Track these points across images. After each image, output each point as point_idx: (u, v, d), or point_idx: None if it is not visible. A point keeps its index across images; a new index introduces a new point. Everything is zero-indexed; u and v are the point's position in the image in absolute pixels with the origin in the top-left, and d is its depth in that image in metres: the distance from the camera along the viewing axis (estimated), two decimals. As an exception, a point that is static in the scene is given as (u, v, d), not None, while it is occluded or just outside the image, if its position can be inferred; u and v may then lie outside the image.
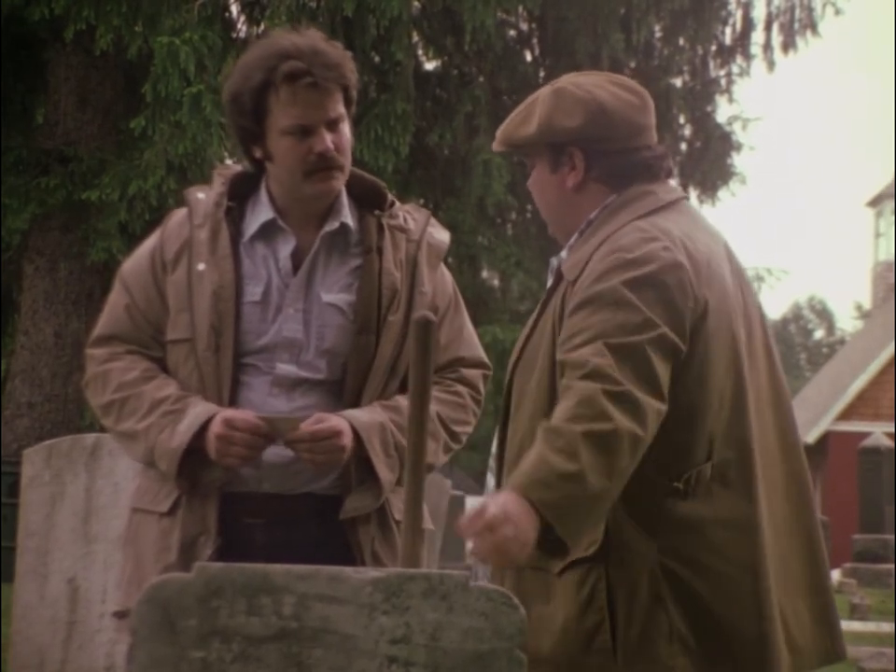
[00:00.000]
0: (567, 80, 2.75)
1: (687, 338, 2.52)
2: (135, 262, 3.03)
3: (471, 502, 20.44)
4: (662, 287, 2.51)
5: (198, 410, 2.85)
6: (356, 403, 2.91)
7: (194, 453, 2.84)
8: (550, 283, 2.76)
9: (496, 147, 2.84)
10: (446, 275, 3.10)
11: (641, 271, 2.52)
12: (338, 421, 2.84)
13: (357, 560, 2.87)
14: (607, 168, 2.70)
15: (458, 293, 3.13)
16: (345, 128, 2.92)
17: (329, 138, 2.87)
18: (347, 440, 2.83)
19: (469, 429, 3.10)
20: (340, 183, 2.95)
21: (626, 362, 2.42)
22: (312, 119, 2.86)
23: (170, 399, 2.89)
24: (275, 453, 2.88)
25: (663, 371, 2.46)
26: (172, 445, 2.84)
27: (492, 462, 2.82)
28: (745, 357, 2.63)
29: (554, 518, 2.31)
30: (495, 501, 2.31)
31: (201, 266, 2.91)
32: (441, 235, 3.09)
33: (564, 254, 2.75)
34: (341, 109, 2.90)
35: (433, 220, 3.09)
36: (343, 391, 2.93)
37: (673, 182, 2.79)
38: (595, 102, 2.67)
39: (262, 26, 11.54)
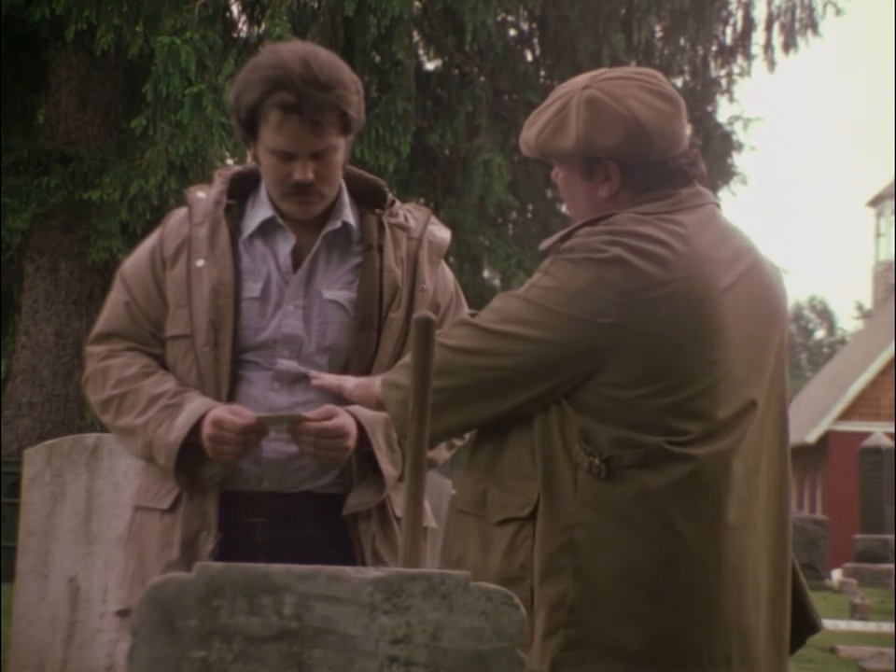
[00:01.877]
0: (600, 88, 2.67)
1: (591, 332, 2.56)
2: (135, 260, 3.04)
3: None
4: (583, 291, 2.56)
5: (195, 405, 2.86)
6: None
7: (193, 448, 2.84)
8: None
9: (523, 149, 2.79)
10: (447, 273, 3.11)
11: (594, 254, 2.57)
12: (345, 420, 2.84)
13: (357, 557, 2.88)
14: (642, 179, 2.68)
15: (460, 291, 3.14)
16: (335, 157, 2.89)
17: (310, 168, 2.85)
18: (352, 441, 2.84)
19: None
20: (318, 207, 2.94)
21: (475, 340, 2.62)
22: (295, 149, 2.85)
23: (168, 394, 2.90)
24: (275, 449, 2.88)
25: (509, 360, 2.59)
26: (169, 440, 2.85)
27: None
28: (728, 343, 2.61)
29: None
30: None
31: (200, 262, 2.92)
32: (442, 233, 3.09)
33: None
34: (330, 141, 2.86)
35: (434, 218, 3.10)
36: None
37: (701, 187, 2.75)
38: (633, 119, 2.63)
39: (263, 26, 11.53)
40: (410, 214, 3.06)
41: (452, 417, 2.64)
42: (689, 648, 2.58)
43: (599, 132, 2.64)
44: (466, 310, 3.11)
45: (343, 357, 2.94)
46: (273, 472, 2.90)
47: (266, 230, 2.97)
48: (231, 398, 2.89)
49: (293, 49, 2.90)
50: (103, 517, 5.53)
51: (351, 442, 2.84)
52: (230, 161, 11.54)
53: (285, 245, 2.96)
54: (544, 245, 2.74)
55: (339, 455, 2.84)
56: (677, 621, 2.57)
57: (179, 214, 3.03)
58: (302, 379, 2.92)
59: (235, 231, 2.97)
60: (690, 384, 2.58)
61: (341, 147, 2.90)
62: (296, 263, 2.95)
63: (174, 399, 2.89)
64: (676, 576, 2.58)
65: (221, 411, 2.82)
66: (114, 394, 2.96)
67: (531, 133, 2.73)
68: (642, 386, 2.56)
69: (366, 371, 2.92)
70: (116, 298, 3.04)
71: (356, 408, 2.88)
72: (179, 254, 2.95)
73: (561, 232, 2.72)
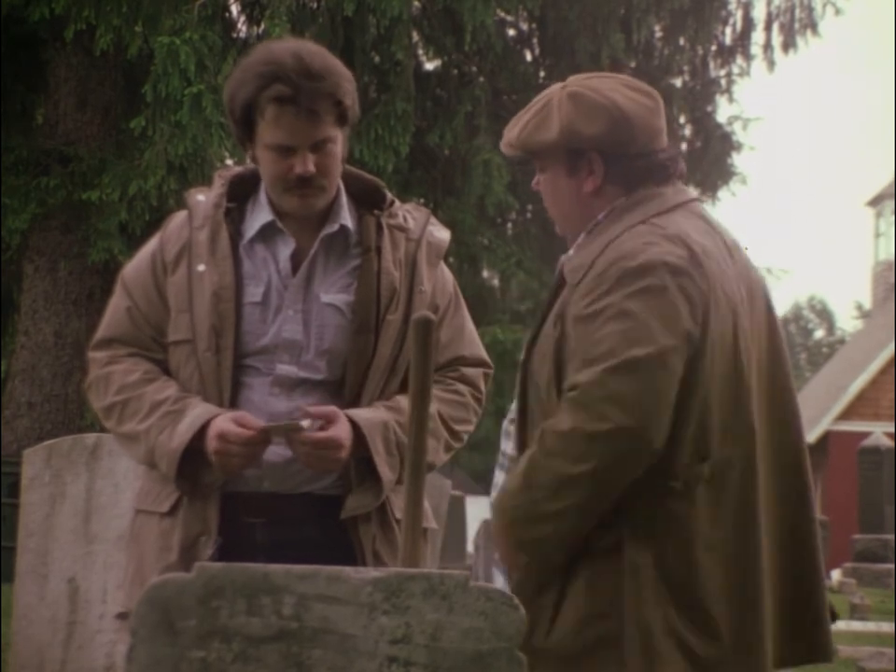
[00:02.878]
0: (581, 84, 2.72)
1: (694, 339, 2.54)
2: (136, 265, 3.04)
3: (471, 502, 20.42)
4: (663, 295, 2.53)
5: (197, 411, 2.86)
6: (355, 403, 2.92)
7: (195, 454, 2.84)
8: (551, 286, 2.76)
9: (506, 150, 2.80)
10: (446, 274, 3.10)
11: (643, 281, 2.53)
12: (340, 432, 2.84)
13: (357, 559, 2.88)
14: (625, 172, 2.69)
15: (459, 292, 3.13)
16: (334, 148, 2.89)
17: (311, 160, 2.85)
18: (345, 452, 2.84)
19: (471, 428, 3.10)
20: (321, 202, 2.93)
21: (626, 385, 2.48)
22: (294, 141, 2.85)
23: (169, 401, 2.90)
24: (275, 452, 2.88)
25: (664, 382, 2.49)
26: (171, 446, 2.84)
27: (508, 425, 2.83)
28: (749, 356, 2.64)
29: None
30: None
31: (201, 267, 2.92)
32: (441, 234, 3.08)
33: (571, 252, 2.75)
34: (328, 132, 2.87)
35: (433, 219, 3.09)
36: (342, 391, 2.93)
37: (682, 184, 2.79)
38: (616, 108, 2.66)
39: (262, 26, 11.53)
40: (409, 214, 3.06)
41: (583, 525, 2.59)
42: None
43: (582, 121, 2.66)
44: (465, 311, 3.12)
45: (341, 360, 2.93)
46: (273, 475, 2.90)
47: (266, 233, 2.96)
48: (233, 403, 2.89)
49: (283, 45, 2.93)
50: (102, 517, 5.53)
51: (344, 454, 2.84)
52: (229, 162, 11.53)
53: (285, 249, 2.95)
54: (572, 280, 2.67)
55: (332, 465, 2.85)
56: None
57: (179, 217, 3.03)
58: (301, 384, 2.92)
59: (235, 235, 2.96)
60: (729, 395, 2.61)
61: (338, 139, 2.90)
62: (295, 267, 2.95)
63: (175, 405, 2.89)
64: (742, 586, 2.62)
65: (225, 423, 2.82)
66: (116, 400, 2.95)
67: (513, 132, 2.76)
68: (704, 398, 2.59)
69: (364, 373, 2.92)
70: (117, 303, 3.03)
71: (354, 411, 2.88)
72: (180, 259, 2.95)
73: (579, 264, 2.68)
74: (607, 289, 2.55)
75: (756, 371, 2.68)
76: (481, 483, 35.75)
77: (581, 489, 2.51)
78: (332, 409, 2.85)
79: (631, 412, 2.47)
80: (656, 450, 2.51)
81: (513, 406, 2.81)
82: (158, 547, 2.90)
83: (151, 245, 3.04)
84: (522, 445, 2.74)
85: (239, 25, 12.61)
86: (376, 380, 2.94)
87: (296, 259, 2.96)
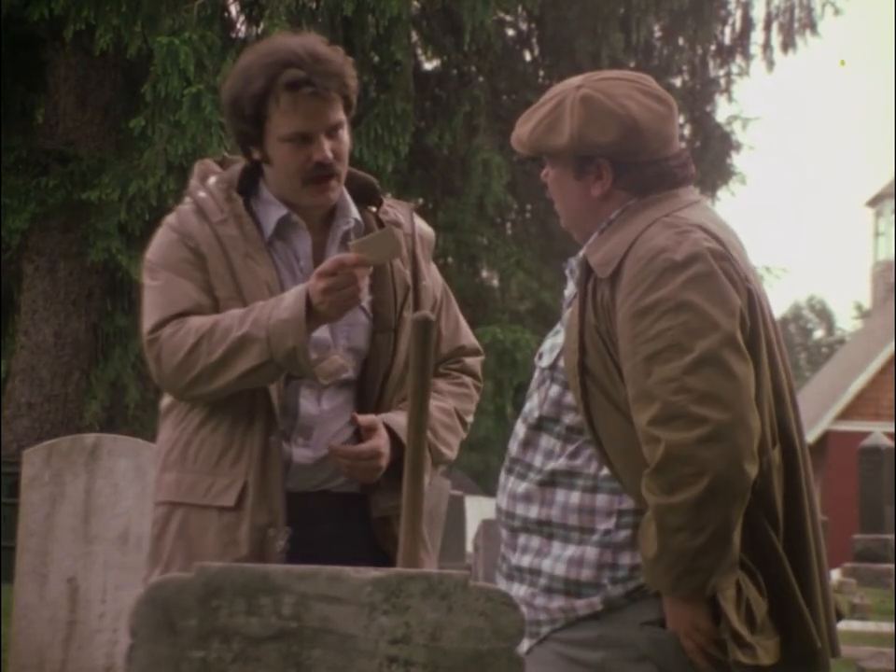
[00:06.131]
0: (595, 87, 2.68)
1: (747, 324, 2.55)
2: (166, 249, 2.91)
3: (471, 502, 20.41)
4: (716, 280, 2.53)
5: (293, 290, 2.79)
6: (379, 401, 2.94)
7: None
8: (577, 280, 2.69)
9: (515, 146, 2.78)
10: (434, 266, 3.15)
11: (692, 270, 2.53)
12: (379, 441, 2.86)
13: (391, 555, 2.88)
14: (634, 178, 2.68)
15: (445, 283, 3.19)
16: (344, 134, 2.91)
17: (327, 146, 2.86)
18: (385, 460, 2.87)
19: (472, 417, 3.15)
20: (336, 193, 2.93)
21: (707, 380, 2.45)
22: (311, 127, 2.84)
23: (259, 304, 2.80)
24: (304, 455, 2.90)
25: (741, 367, 2.48)
26: (285, 316, 2.74)
27: (524, 430, 2.75)
28: (773, 339, 2.65)
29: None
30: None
31: (242, 256, 2.86)
32: (428, 228, 3.13)
33: (586, 249, 2.72)
34: (340, 116, 2.89)
35: (415, 213, 3.12)
36: (364, 390, 2.94)
37: (692, 187, 2.78)
38: (628, 118, 2.63)
39: (262, 26, 11.53)
40: (395, 210, 3.07)
41: (736, 528, 2.54)
42: None
43: (594, 129, 2.64)
44: (455, 302, 3.15)
45: (363, 358, 2.95)
46: (299, 475, 2.90)
47: (281, 229, 2.94)
48: (268, 399, 2.85)
49: (283, 37, 2.96)
50: (102, 517, 5.54)
51: (384, 462, 2.87)
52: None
53: (302, 246, 2.94)
54: (602, 273, 2.62)
55: (373, 473, 2.88)
56: None
57: (188, 213, 2.92)
58: (329, 386, 2.91)
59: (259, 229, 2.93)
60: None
61: (346, 126, 2.91)
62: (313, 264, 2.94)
63: (268, 301, 2.79)
64: None
65: (319, 268, 2.77)
66: (200, 335, 2.79)
67: (524, 129, 2.73)
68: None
69: (386, 372, 2.94)
70: (166, 284, 2.88)
71: (390, 418, 2.90)
72: (210, 249, 2.87)
73: (607, 259, 2.64)
74: (653, 283, 2.53)
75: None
76: (480, 483, 35.76)
77: (713, 503, 2.44)
78: (373, 418, 2.88)
79: (724, 405, 2.44)
80: (757, 430, 2.47)
81: (527, 409, 2.77)
82: (221, 542, 2.83)
83: (168, 234, 2.92)
84: (596, 441, 2.64)
85: (238, 25, 12.61)
86: (397, 378, 2.96)
87: (313, 256, 2.95)
